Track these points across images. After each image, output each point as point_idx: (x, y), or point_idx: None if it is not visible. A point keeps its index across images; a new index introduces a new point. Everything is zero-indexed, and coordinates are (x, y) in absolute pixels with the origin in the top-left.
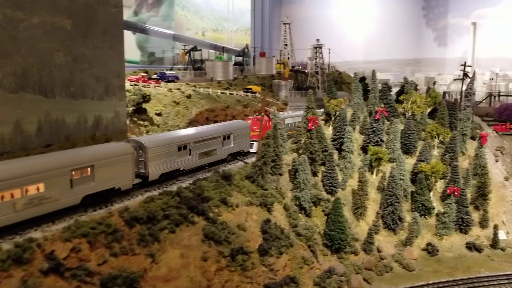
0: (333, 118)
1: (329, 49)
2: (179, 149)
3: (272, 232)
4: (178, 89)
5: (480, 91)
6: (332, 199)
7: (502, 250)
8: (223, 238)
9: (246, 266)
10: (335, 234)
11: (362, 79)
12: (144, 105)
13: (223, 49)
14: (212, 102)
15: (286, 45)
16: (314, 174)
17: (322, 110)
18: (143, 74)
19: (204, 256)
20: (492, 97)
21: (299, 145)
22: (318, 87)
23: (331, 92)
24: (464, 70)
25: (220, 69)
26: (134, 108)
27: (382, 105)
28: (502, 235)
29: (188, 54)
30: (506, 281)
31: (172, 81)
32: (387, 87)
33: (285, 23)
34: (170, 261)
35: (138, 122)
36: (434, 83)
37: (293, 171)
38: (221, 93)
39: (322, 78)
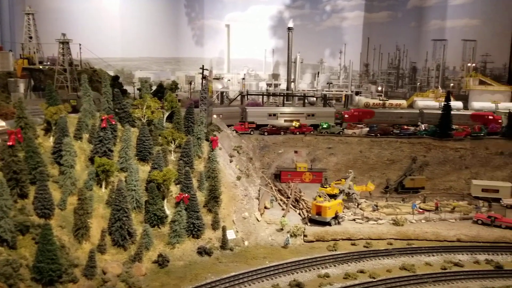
0: (53, 127)
1: (80, 44)
2: None
3: None
4: None
5: (236, 90)
6: (49, 223)
7: (231, 250)
8: None
9: None
10: (44, 265)
11: (115, 78)
12: None
13: None
14: None
15: (31, 38)
16: (23, 196)
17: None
18: None
19: None
20: (244, 96)
21: (5, 163)
22: (67, 86)
23: (51, 97)
24: (202, 73)
25: None
26: None
27: (109, 113)
28: (231, 234)
29: None
30: (227, 285)
31: None
32: (120, 92)
33: (28, 13)
34: None
35: None
36: (191, 82)
37: None
38: None
39: (71, 77)
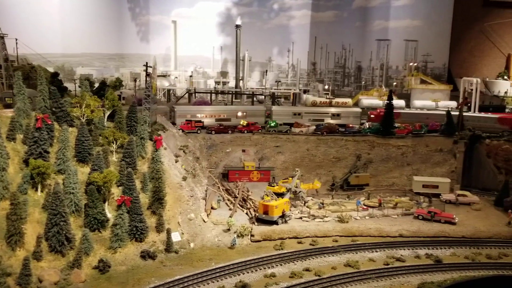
0: None
1: (16, 39)
2: None
3: None
4: None
5: (183, 87)
6: None
7: (176, 252)
8: None
9: None
10: None
11: (55, 75)
12: None
13: None
14: None
15: None
16: None
17: None
18: None
19: None
20: (192, 94)
21: None
22: (2, 84)
23: None
24: (146, 71)
25: None
26: None
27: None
28: (176, 236)
29: None
30: None
31: None
32: (56, 90)
33: None
34: None
35: None
36: (135, 79)
37: None
38: None
39: (6, 73)
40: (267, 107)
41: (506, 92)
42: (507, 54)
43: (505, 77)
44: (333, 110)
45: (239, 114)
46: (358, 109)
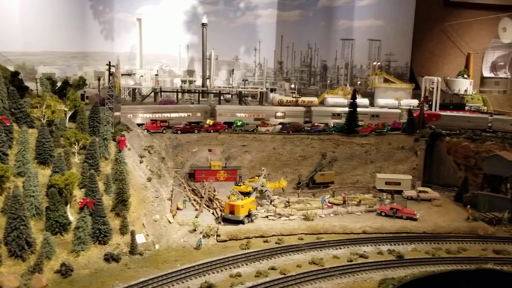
0: None
1: None
2: None
3: None
4: None
5: (149, 86)
6: None
7: (141, 254)
8: None
9: None
10: None
11: (15, 74)
12: None
13: None
14: None
15: None
16: None
17: None
18: None
19: None
20: (158, 92)
21: None
22: None
23: None
24: (109, 70)
25: None
26: None
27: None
28: (141, 238)
29: None
30: None
31: None
32: (15, 90)
33: None
34: None
35: None
36: (99, 78)
37: None
38: None
39: None
40: (306, 107)
41: (466, 91)
42: (466, 53)
43: (465, 76)
44: (372, 110)
45: (278, 114)
46: (398, 110)
